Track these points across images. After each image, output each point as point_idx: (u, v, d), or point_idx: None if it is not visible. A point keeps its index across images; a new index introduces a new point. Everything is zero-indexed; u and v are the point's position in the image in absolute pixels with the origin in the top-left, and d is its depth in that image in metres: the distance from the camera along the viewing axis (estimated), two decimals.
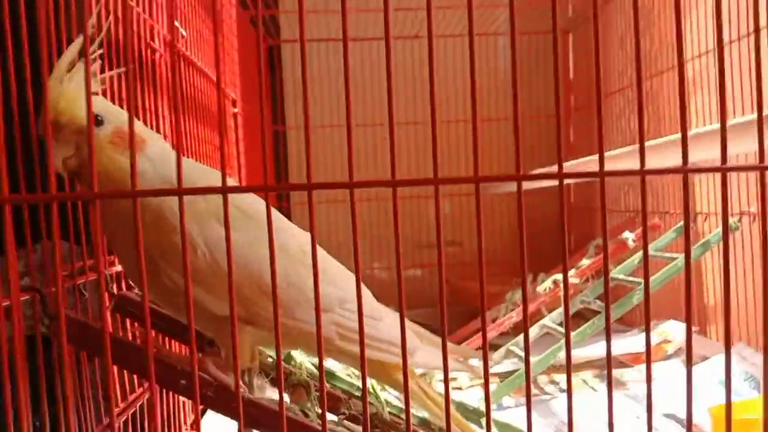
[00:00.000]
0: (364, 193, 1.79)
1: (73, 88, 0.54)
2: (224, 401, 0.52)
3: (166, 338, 0.74)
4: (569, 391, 0.47)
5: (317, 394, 0.67)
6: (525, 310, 0.50)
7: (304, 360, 0.72)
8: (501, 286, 1.54)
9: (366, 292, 0.66)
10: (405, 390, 0.47)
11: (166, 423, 0.86)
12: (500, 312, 1.45)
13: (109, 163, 0.54)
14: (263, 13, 1.71)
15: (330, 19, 1.75)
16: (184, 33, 1.02)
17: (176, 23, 0.98)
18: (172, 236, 0.53)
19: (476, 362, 0.80)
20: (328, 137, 1.86)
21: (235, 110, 1.42)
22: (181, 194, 0.44)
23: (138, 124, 0.59)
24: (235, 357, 0.45)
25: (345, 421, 0.63)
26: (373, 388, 0.72)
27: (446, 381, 0.48)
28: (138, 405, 0.77)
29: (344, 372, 0.76)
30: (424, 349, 0.70)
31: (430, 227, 1.93)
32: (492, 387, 1.19)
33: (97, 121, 0.55)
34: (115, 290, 0.68)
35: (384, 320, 0.65)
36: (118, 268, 0.71)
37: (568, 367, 0.49)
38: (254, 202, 0.59)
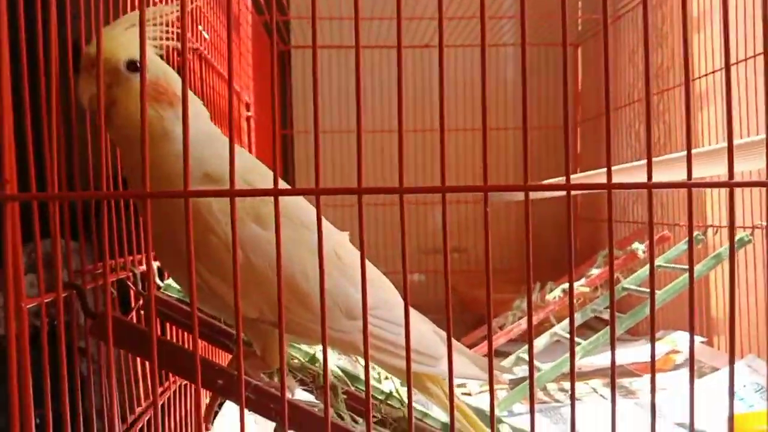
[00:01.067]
0: (369, 198, 1.79)
1: (120, 31, 0.53)
2: (263, 403, 0.52)
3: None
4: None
5: (344, 396, 0.67)
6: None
7: (329, 362, 0.73)
8: (508, 294, 1.55)
9: (395, 297, 0.66)
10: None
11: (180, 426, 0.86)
12: (508, 319, 1.46)
13: (138, 113, 0.50)
14: (268, 18, 1.72)
15: (341, 25, 1.76)
16: (206, 36, 1.03)
17: (200, 27, 0.99)
18: (207, 235, 0.53)
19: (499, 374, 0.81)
20: (335, 142, 1.87)
21: (249, 114, 1.42)
22: (233, 196, 0.44)
23: (175, 79, 0.57)
24: (282, 366, 0.45)
25: (376, 426, 0.63)
26: (398, 392, 0.73)
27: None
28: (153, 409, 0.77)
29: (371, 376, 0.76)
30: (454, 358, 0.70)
31: (435, 233, 1.94)
32: (502, 394, 1.20)
33: (133, 66, 0.53)
34: (144, 289, 0.68)
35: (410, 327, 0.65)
36: (144, 267, 0.72)
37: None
38: (290, 201, 0.58)
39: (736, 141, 0.68)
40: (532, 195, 0.50)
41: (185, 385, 0.86)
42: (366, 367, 0.47)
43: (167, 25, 0.57)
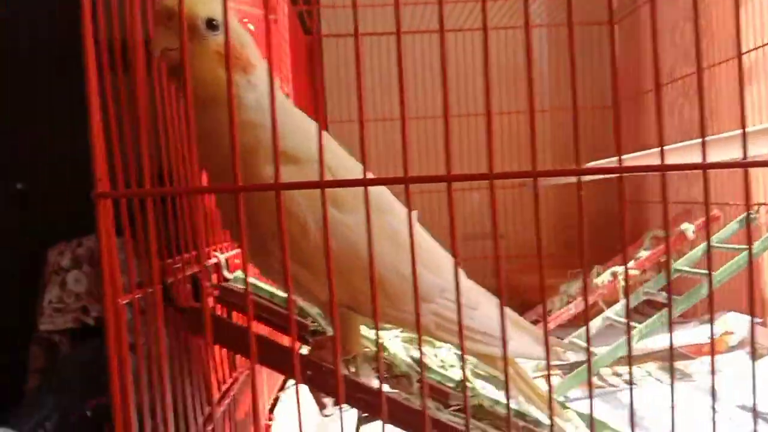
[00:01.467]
0: (415, 186, 1.78)
1: None
2: (352, 394, 0.52)
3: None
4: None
5: (418, 385, 0.67)
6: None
7: (398, 350, 0.72)
8: (553, 278, 1.54)
9: (463, 279, 0.66)
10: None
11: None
12: (554, 305, 1.45)
13: (210, 74, 0.51)
14: (304, 8, 1.71)
15: (370, 12, 1.75)
16: (252, 28, 1.02)
17: (245, 20, 0.99)
18: (286, 220, 0.52)
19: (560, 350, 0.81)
20: (370, 132, 1.86)
21: None
22: (323, 187, 0.43)
23: (248, 44, 0.55)
24: (379, 360, 0.45)
25: (457, 413, 0.63)
26: (469, 380, 0.72)
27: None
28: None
29: (436, 364, 0.76)
30: (517, 338, 0.70)
31: (475, 218, 1.92)
32: (555, 380, 1.19)
33: (211, 24, 0.51)
34: (215, 281, 0.68)
35: (480, 309, 0.64)
36: (214, 259, 0.72)
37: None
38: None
39: None
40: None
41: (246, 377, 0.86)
42: (462, 361, 0.47)
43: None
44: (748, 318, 1.30)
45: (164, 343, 0.44)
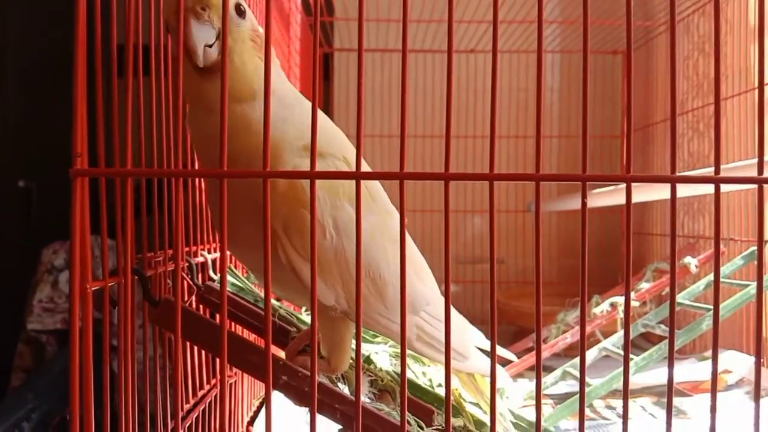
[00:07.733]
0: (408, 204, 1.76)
1: None
2: (328, 403, 0.49)
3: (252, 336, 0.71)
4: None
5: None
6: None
7: (384, 364, 0.70)
8: (551, 306, 1.51)
9: (437, 291, 0.64)
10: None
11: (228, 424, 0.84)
12: (551, 333, 1.42)
13: (250, 60, 0.50)
14: (320, 20, 1.71)
15: (385, 29, 1.75)
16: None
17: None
18: (301, 210, 0.49)
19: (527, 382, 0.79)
20: (376, 148, 1.84)
21: None
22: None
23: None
24: (358, 368, 0.43)
25: None
26: (458, 401, 0.69)
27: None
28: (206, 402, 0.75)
29: (423, 382, 0.73)
30: (479, 356, 0.69)
31: (472, 242, 1.90)
32: (547, 410, 1.16)
33: (240, 10, 0.50)
34: (199, 280, 0.66)
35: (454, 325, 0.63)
36: (201, 258, 0.70)
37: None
38: (373, 184, 0.56)
39: None
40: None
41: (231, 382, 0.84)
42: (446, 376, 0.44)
43: None
44: (747, 357, 1.27)
45: (133, 335, 0.42)
